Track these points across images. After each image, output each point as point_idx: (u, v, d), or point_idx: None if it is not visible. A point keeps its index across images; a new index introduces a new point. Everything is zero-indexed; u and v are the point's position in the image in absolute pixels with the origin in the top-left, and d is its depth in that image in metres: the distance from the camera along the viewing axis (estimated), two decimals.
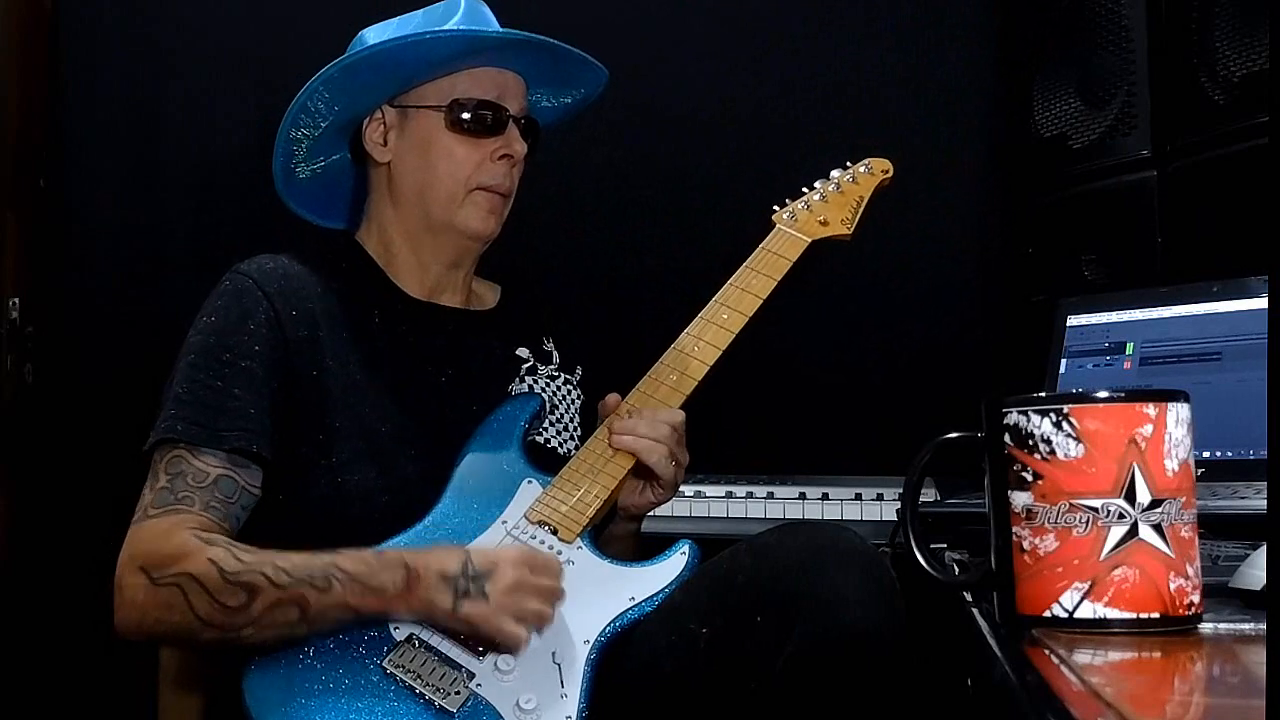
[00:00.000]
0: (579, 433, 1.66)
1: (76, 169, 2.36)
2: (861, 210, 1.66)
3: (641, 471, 1.51)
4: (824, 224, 1.64)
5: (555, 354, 1.70)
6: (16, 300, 2.23)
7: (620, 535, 1.58)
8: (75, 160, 2.37)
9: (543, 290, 1.95)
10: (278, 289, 1.51)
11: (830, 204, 1.66)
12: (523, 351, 1.67)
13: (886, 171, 1.70)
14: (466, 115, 1.57)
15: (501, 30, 1.57)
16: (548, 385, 1.67)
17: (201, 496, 1.40)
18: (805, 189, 1.69)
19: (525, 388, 1.64)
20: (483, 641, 1.33)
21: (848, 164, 1.71)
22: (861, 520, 1.90)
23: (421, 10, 1.62)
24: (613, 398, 1.55)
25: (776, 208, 1.66)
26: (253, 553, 1.35)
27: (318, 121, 1.60)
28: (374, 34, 1.61)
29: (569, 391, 1.69)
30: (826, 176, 1.70)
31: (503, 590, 1.31)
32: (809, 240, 1.62)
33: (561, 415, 1.67)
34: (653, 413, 1.51)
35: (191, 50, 2.38)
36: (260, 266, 1.54)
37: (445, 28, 1.56)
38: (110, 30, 2.38)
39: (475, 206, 1.58)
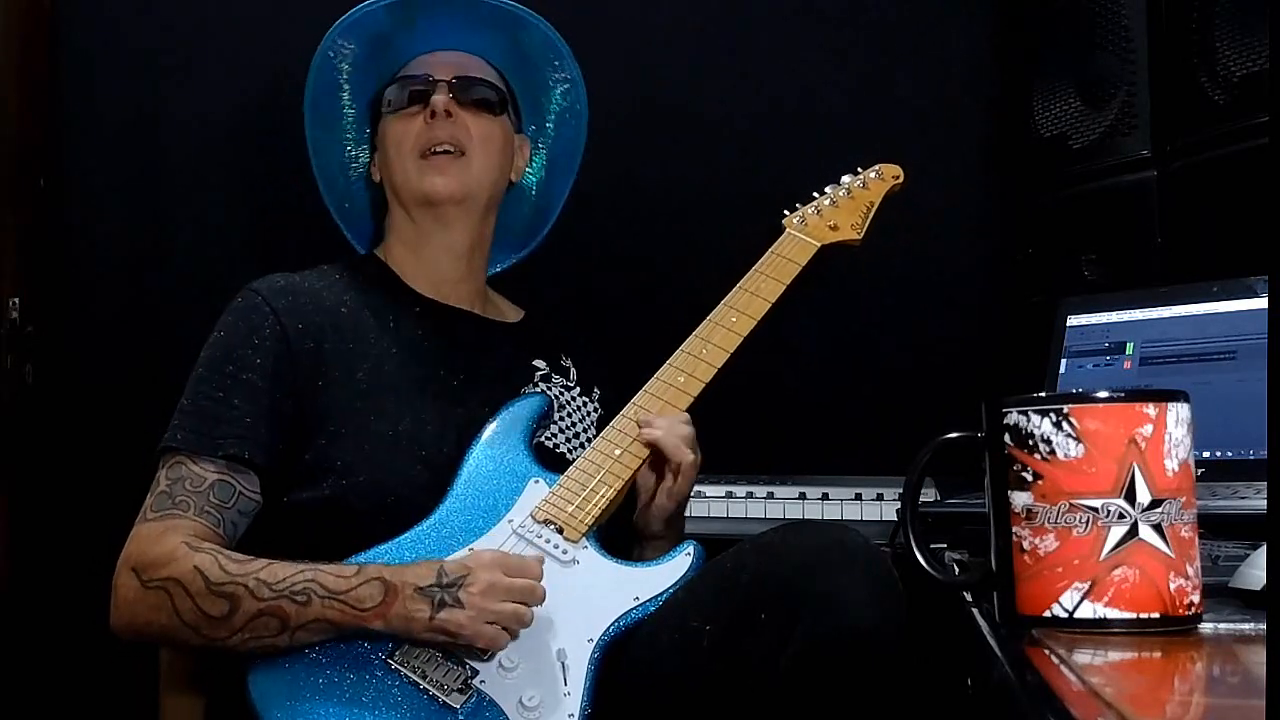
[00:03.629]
0: (590, 443, 1.66)
1: (76, 169, 2.36)
2: (871, 216, 1.68)
3: (646, 476, 1.52)
4: (834, 229, 1.65)
5: (573, 371, 1.72)
6: (16, 300, 2.23)
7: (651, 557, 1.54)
8: (75, 160, 2.36)
9: (563, 310, 1.96)
10: (285, 304, 1.56)
11: (841, 209, 1.67)
12: (539, 362, 1.69)
13: (897, 177, 1.72)
14: (391, 96, 1.67)
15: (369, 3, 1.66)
16: (561, 394, 1.68)
17: (197, 501, 1.45)
18: (816, 194, 1.69)
19: (539, 390, 1.65)
20: (463, 649, 1.34)
21: (859, 169, 1.73)
22: (861, 520, 1.90)
23: None
24: None
25: (787, 212, 1.67)
26: (239, 563, 1.36)
27: (358, 161, 1.77)
28: None
29: (584, 404, 1.71)
30: (838, 181, 1.71)
31: (477, 595, 1.32)
32: (819, 245, 1.63)
33: (575, 424, 1.68)
34: (653, 418, 1.52)
35: (192, 50, 2.37)
36: (270, 284, 1.59)
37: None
38: (110, 31, 2.38)
39: (425, 171, 1.64)
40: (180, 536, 1.40)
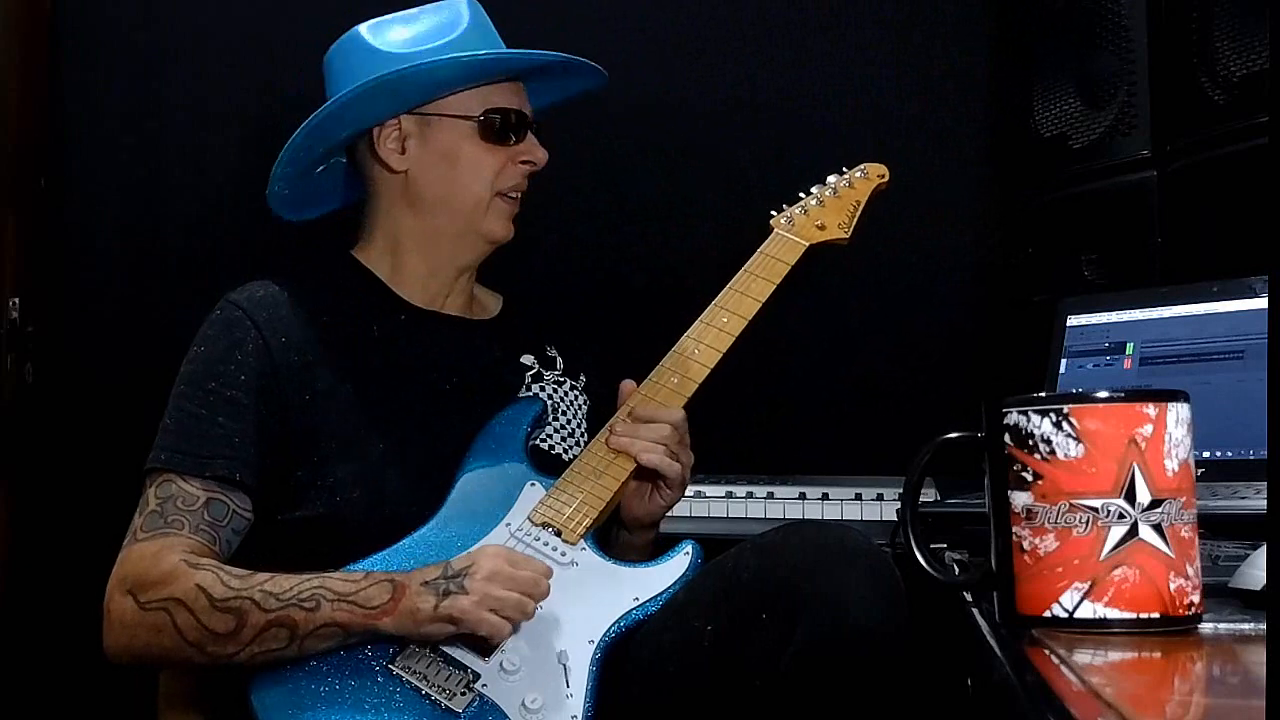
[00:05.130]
0: (585, 439, 1.66)
1: (76, 169, 2.36)
2: (858, 214, 1.68)
3: (644, 474, 1.52)
4: (821, 228, 1.65)
5: (559, 360, 1.70)
6: (16, 300, 2.23)
7: (638, 545, 1.57)
8: (75, 160, 2.36)
9: (544, 298, 1.95)
10: (267, 317, 1.52)
11: (827, 208, 1.67)
12: (527, 359, 1.67)
13: (883, 176, 1.72)
14: (498, 125, 1.58)
15: (541, 54, 1.59)
16: (554, 391, 1.67)
17: (191, 520, 1.42)
18: (802, 194, 1.70)
19: (532, 394, 1.64)
20: (466, 637, 1.34)
21: (844, 169, 1.73)
22: (861, 520, 1.90)
23: (422, 9, 1.62)
24: (628, 384, 1.56)
25: (774, 213, 1.68)
26: (241, 577, 1.35)
27: (328, 139, 1.60)
28: (372, 33, 1.59)
29: (575, 397, 1.69)
30: (823, 182, 1.71)
31: (481, 580, 1.32)
32: (806, 244, 1.64)
33: (568, 421, 1.67)
34: (652, 413, 1.52)
35: (191, 50, 2.37)
36: (251, 295, 1.55)
37: (473, 48, 1.56)
38: (110, 30, 2.38)
39: (498, 212, 1.60)
40: (177, 555, 1.38)
